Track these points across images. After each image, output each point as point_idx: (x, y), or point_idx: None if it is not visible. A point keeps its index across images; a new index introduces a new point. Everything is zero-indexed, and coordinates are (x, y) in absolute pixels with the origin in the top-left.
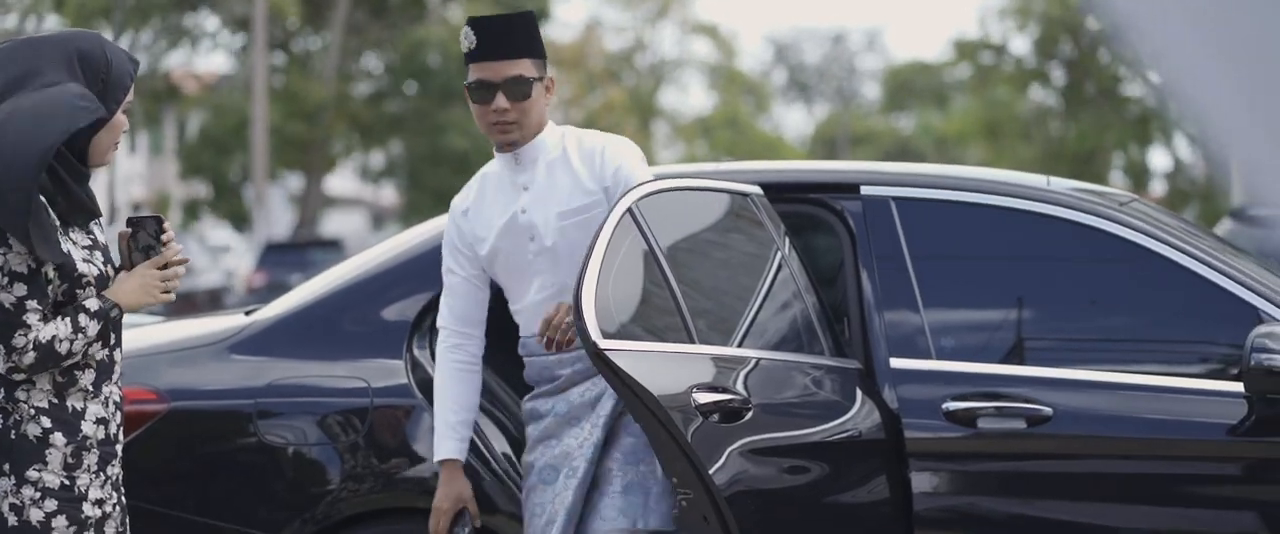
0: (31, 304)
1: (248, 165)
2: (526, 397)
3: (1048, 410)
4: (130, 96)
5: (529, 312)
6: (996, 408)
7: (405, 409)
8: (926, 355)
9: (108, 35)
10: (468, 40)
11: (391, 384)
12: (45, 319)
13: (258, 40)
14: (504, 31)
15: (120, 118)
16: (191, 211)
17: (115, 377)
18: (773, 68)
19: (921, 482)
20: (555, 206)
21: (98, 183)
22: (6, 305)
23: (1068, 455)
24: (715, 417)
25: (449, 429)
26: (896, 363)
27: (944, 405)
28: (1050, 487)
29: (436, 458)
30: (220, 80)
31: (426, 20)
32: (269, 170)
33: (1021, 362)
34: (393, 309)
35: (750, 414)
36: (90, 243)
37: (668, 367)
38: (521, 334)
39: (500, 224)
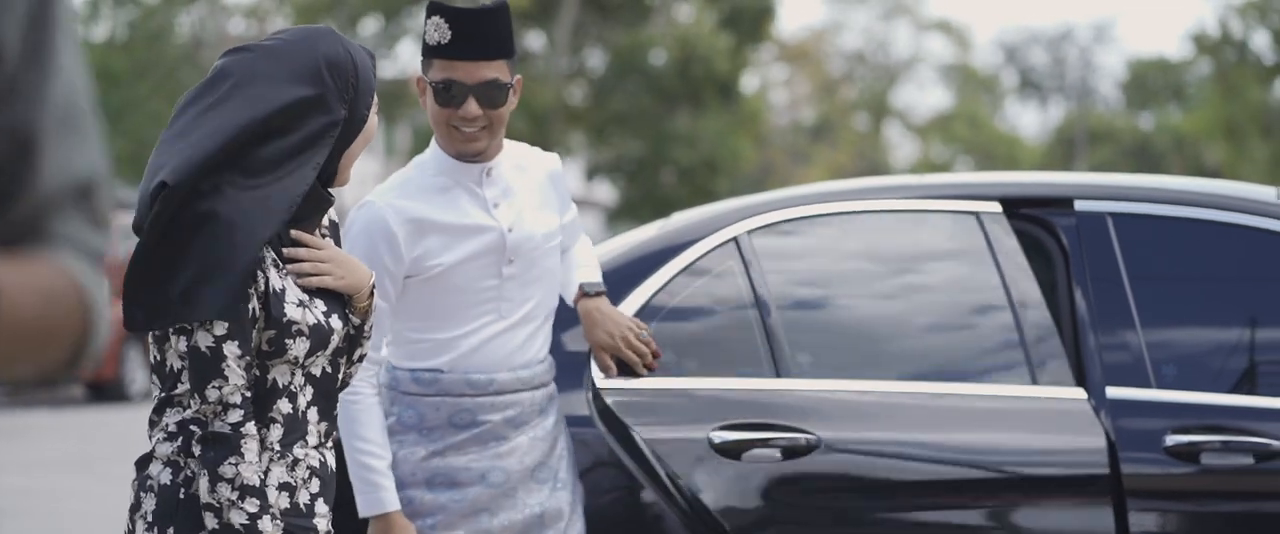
0: (231, 348)
1: None
2: (414, 447)
3: (1279, 445)
4: (374, 97)
5: (474, 341)
6: (1222, 442)
7: (583, 440)
8: (1146, 384)
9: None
10: (439, 32)
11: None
12: (249, 370)
13: None
14: (486, 28)
15: (372, 122)
16: None
17: (312, 438)
18: (1002, 69)
19: (1141, 521)
20: (536, 228)
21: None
22: (203, 348)
23: None
24: (751, 454)
25: (384, 477)
26: (1113, 392)
27: (1165, 439)
28: None
29: (382, 509)
30: None
31: (650, 21)
32: None
33: (1250, 392)
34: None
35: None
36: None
37: (681, 404)
38: (431, 366)
39: (473, 241)
